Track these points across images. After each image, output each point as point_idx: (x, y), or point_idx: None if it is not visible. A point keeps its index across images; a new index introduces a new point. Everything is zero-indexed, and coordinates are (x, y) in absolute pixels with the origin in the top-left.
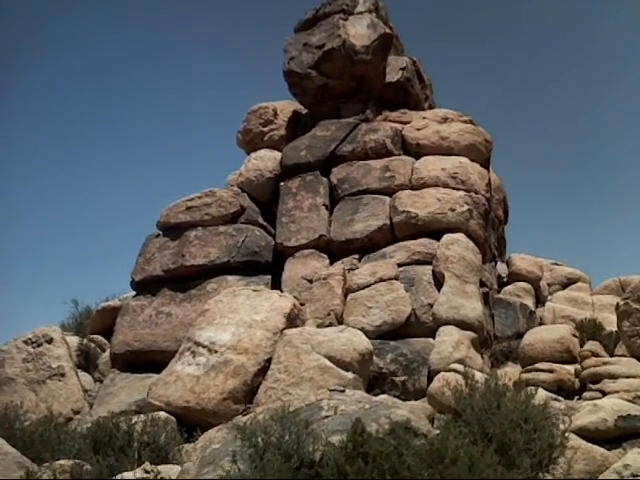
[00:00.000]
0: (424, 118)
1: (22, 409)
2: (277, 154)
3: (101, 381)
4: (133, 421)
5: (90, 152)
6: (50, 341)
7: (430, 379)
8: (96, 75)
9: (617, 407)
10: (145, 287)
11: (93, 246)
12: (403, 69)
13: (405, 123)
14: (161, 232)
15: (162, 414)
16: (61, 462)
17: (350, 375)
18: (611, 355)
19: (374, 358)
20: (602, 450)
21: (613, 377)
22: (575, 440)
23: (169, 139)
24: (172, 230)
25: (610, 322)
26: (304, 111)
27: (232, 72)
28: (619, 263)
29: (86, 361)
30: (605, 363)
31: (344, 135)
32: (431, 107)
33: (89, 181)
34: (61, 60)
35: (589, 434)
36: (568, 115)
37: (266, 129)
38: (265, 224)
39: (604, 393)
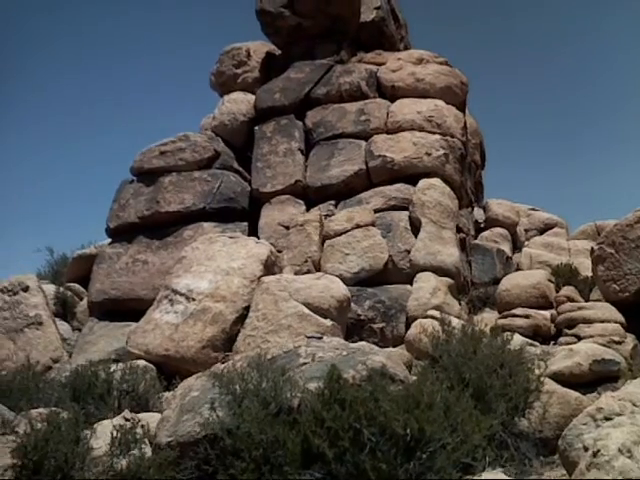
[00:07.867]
0: (399, 59)
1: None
2: (251, 97)
3: (79, 330)
4: (112, 369)
5: (67, 96)
6: (26, 289)
7: (408, 326)
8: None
9: (592, 351)
10: (120, 234)
11: (69, 193)
12: (378, 8)
13: (380, 64)
14: (135, 178)
15: (141, 362)
16: (39, 410)
17: (328, 322)
18: (586, 300)
19: (352, 305)
20: (577, 394)
21: (588, 322)
22: (550, 385)
23: (145, 84)
24: (146, 176)
25: (586, 267)
26: (278, 52)
27: (208, 13)
28: (596, 209)
29: (63, 309)
30: (580, 308)
31: (318, 77)
32: (406, 48)
33: (66, 127)
34: None
35: (564, 378)
36: (548, 57)
37: (239, 71)
38: (240, 169)
39: (579, 338)
